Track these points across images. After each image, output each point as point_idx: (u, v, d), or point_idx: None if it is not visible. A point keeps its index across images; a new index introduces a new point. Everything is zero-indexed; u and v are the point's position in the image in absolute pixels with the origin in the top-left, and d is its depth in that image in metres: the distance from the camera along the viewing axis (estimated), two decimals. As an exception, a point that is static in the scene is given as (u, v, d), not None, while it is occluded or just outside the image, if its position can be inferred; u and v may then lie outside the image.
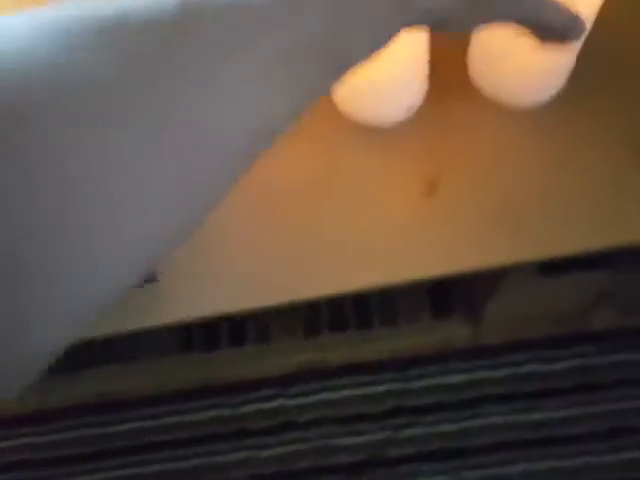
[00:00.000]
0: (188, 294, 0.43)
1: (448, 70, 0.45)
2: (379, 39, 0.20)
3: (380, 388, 0.92)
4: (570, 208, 0.42)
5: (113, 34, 0.15)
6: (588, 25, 0.38)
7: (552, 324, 0.91)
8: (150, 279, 0.44)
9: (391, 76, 0.41)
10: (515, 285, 0.89)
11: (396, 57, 0.39)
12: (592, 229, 0.41)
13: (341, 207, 0.44)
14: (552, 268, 0.92)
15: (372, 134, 0.45)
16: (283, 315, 0.95)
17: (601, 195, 0.42)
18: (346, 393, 0.92)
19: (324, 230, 0.43)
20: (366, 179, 0.45)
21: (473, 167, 0.43)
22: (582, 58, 0.41)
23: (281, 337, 0.94)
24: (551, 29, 0.24)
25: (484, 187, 0.43)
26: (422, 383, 0.92)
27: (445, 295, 0.93)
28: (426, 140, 0.45)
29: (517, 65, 0.42)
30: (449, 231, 0.42)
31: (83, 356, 0.92)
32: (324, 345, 0.93)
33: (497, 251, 0.42)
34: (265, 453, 0.90)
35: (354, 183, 0.45)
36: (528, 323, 0.90)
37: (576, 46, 0.40)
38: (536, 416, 0.88)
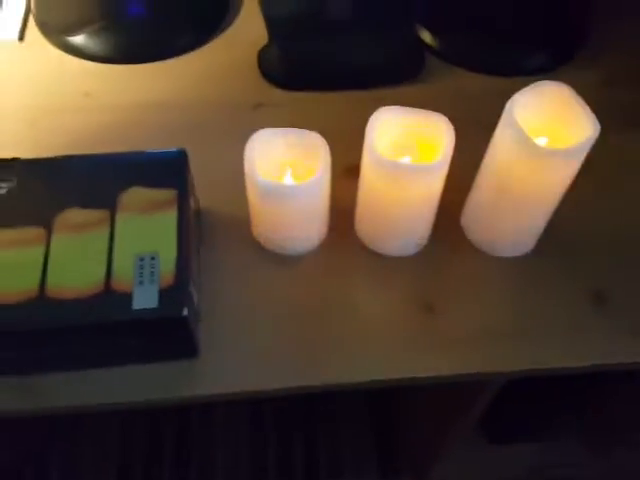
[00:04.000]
0: (224, 371, 0.50)
1: (447, 221, 0.57)
2: None
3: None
4: (535, 335, 0.53)
5: None
6: (558, 199, 0.52)
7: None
8: (193, 355, 0.50)
9: (405, 217, 0.53)
10: (462, 449, 0.96)
11: (410, 203, 0.51)
12: (552, 353, 0.52)
13: (356, 319, 0.53)
14: (499, 435, 0.99)
15: (383, 262, 0.56)
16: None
17: (559, 328, 0.53)
18: None
19: (340, 333, 0.52)
20: (374, 297, 0.55)
21: (461, 297, 0.55)
22: (551, 225, 0.55)
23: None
24: None
25: (470, 311, 0.54)
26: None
27: (392, 455, 0.97)
28: (426, 272, 0.56)
29: (499, 223, 0.55)
30: (439, 344, 0.52)
31: None
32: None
33: (478, 363, 0.51)
34: None
35: (363, 299, 0.55)
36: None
37: (547, 213, 0.54)
38: None
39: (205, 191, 0.57)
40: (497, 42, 0.70)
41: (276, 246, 0.56)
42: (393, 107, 0.49)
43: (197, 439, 1.14)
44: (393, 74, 0.68)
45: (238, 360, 0.51)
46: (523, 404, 0.95)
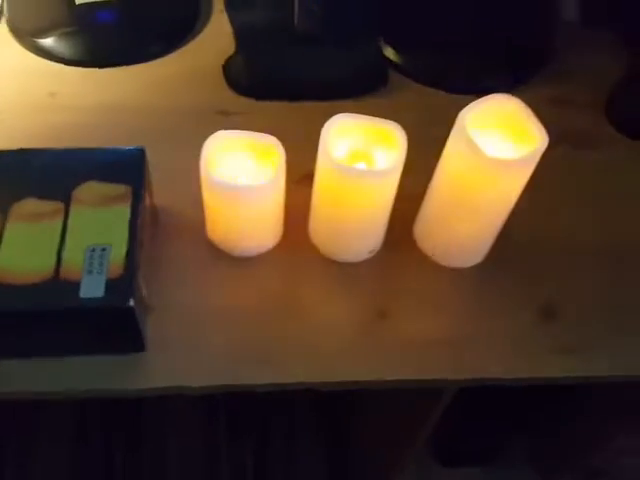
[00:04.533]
0: (169, 366, 0.50)
1: (400, 230, 0.59)
2: None
3: None
4: (479, 345, 0.54)
5: None
6: (508, 210, 0.54)
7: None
8: (140, 349, 0.50)
9: (358, 222, 0.54)
10: (415, 472, 0.96)
11: (362, 209, 0.53)
12: (494, 363, 0.53)
13: (306, 322, 0.54)
14: (451, 458, 1.00)
15: (337, 267, 0.57)
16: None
17: (507, 340, 0.55)
18: None
19: (289, 334, 0.53)
20: (325, 301, 0.56)
21: (410, 305, 0.56)
22: (502, 237, 0.57)
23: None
24: None
25: (418, 320, 0.55)
26: None
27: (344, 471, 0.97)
28: (378, 279, 0.57)
29: (450, 234, 0.56)
30: (386, 350, 0.53)
31: None
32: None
33: (423, 369, 0.52)
34: None
35: (314, 303, 0.55)
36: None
37: (497, 225, 0.55)
38: None
39: (164, 192, 0.58)
40: (458, 61, 0.73)
41: (229, 247, 0.57)
42: (349, 114, 0.51)
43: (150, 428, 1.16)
44: (356, 87, 0.70)
45: (185, 356, 0.51)
46: (477, 427, 0.96)
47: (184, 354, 0.51)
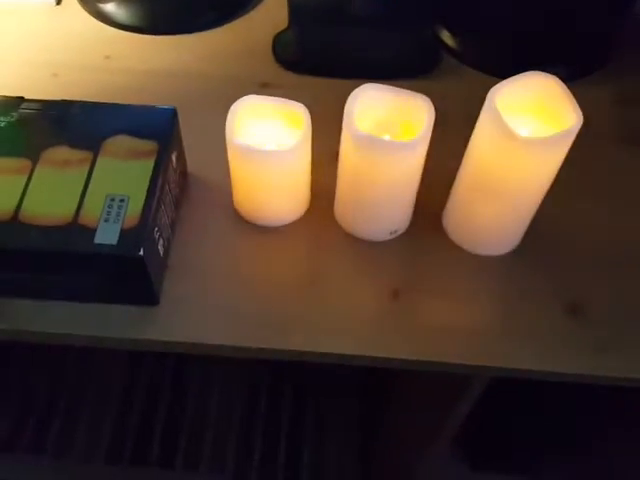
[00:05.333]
0: (182, 322, 0.51)
1: (427, 215, 0.57)
2: None
3: None
4: (499, 334, 0.52)
5: None
6: (539, 195, 0.51)
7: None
8: (153, 302, 0.51)
9: (380, 197, 0.53)
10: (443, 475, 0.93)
11: (386, 183, 0.51)
12: (514, 353, 0.51)
13: (322, 294, 0.53)
14: (482, 462, 0.96)
15: (359, 245, 0.56)
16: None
17: (533, 333, 0.52)
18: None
19: (304, 304, 0.52)
20: (344, 275, 0.55)
21: (429, 288, 0.54)
22: (533, 230, 0.54)
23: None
24: None
25: (436, 304, 0.53)
26: None
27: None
28: (398, 259, 0.56)
29: (477, 218, 0.54)
30: (402, 330, 0.52)
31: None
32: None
33: (442, 353, 0.51)
34: None
35: (333, 277, 0.55)
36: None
37: (527, 212, 0.53)
38: None
39: (197, 157, 0.59)
40: (515, 48, 0.70)
41: (253, 216, 0.57)
42: (376, 85, 0.50)
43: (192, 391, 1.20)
44: (406, 68, 0.68)
45: (199, 314, 0.51)
46: (510, 435, 0.92)
47: (198, 312, 0.52)
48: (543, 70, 0.49)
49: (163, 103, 0.57)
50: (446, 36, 0.72)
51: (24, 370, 1.21)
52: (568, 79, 0.66)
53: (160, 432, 1.17)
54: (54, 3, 0.73)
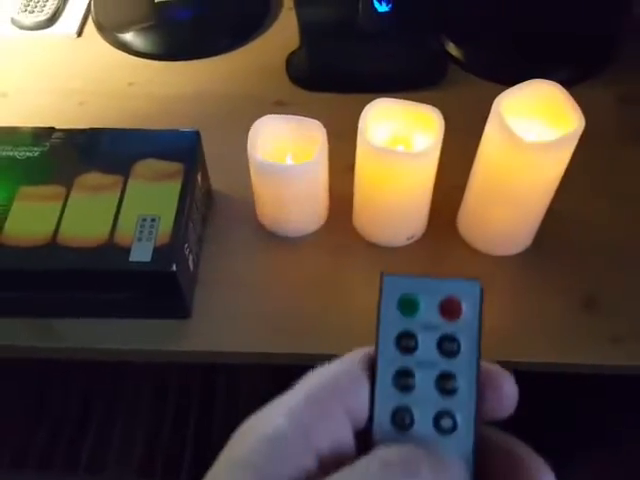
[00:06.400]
0: (212, 333, 0.54)
1: (443, 220, 0.60)
2: None
3: None
4: (531, 332, 0.54)
5: None
6: (548, 195, 0.53)
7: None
8: (185, 316, 0.54)
9: (396, 205, 0.56)
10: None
11: (401, 192, 0.54)
12: (545, 347, 0.53)
13: (342, 300, 0.56)
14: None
15: (378, 251, 0.59)
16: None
17: (554, 325, 0.54)
18: None
19: (326, 311, 0.55)
20: (365, 282, 0.57)
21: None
22: (547, 227, 0.57)
23: None
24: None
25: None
26: None
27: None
28: (417, 265, 0.58)
29: (490, 221, 0.57)
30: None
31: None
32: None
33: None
34: None
35: (355, 282, 0.58)
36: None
37: (537, 212, 0.55)
38: None
39: (220, 175, 0.62)
40: (521, 55, 0.72)
41: (276, 228, 0.60)
42: (388, 98, 0.53)
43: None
44: (414, 80, 0.71)
45: (229, 323, 0.54)
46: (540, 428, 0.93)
47: (227, 323, 0.54)
48: (547, 74, 0.52)
49: (185, 125, 0.60)
50: (451, 47, 0.74)
51: (57, 388, 1.25)
52: (572, 82, 0.69)
53: (192, 446, 1.20)
54: (75, 35, 0.77)
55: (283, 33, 0.77)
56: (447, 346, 0.25)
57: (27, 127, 0.58)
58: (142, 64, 0.74)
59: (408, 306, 0.26)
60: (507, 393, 0.24)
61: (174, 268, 0.49)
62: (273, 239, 0.60)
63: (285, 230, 0.60)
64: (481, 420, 0.24)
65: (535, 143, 0.49)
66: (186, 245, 0.52)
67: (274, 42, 0.76)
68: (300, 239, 0.60)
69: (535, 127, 0.52)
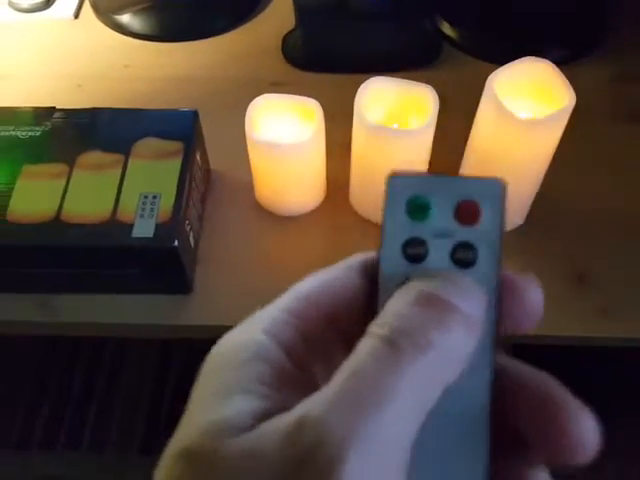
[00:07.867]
0: (213, 307, 0.55)
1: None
2: None
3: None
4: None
5: None
6: (541, 171, 0.55)
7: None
8: (187, 291, 0.55)
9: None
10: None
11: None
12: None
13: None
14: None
15: (376, 229, 0.60)
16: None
17: (546, 299, 0.55)
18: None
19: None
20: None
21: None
22: (537, 203, 0.58)
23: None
24: None
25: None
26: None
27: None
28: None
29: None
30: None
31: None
32: None
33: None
34: None
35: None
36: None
37: (528, 188, 0.56)
38: None
39: (218, 156, 0.63)
40: (514, 35, 0.73)
41: (274, 207, 0.61)
42: (383, 77, 0.54)
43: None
44: (409, 60, 0.72)
45: (229, 298, 0.55)
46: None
47: (227, 299, 0.56)
48: (541, 53, 0.53)
49: (183, 106, 0.61)
50: (445, 27, 0.75)
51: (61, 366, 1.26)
52: (566, 61, 0.70)
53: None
54: (72, 17, 0.78)
55: (279, 14, 0.77)
56: (462, 255, 0.22)
57: (28, 107, 0.59)
58: (138, 46, 0.75)
59: (418, 210, 0.23)
60: (532, 298, 0.22)
61: (176, 243, 0.50)
62: (271, 218, 0.61)
63: (283, 209, 0.61)
64: (501, 340, 0.21)
65: (527, 120, 0.50)
66: (187, 222, 0.53)
67: (270, 23, 0.77)
68: (298, 218, 0.61)
69: (528, 104, 0.53)
